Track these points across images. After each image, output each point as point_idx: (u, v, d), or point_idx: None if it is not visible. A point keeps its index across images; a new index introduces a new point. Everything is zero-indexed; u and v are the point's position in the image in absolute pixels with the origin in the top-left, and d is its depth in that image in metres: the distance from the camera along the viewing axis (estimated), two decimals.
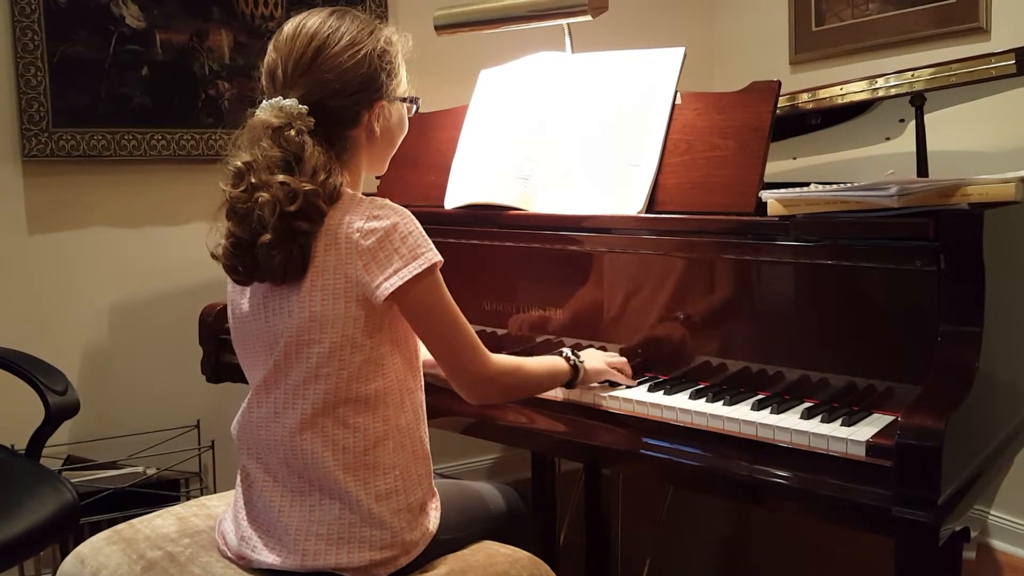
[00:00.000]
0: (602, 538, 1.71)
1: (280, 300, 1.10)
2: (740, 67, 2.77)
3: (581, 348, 1.47)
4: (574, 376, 1.29)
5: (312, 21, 1.14)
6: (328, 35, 1.12)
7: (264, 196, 1.05)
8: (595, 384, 1.33)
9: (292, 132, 1.08)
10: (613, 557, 1.74)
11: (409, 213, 1.11)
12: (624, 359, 1.37)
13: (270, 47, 1.15)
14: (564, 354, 1.30)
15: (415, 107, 1.25)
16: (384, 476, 1.12)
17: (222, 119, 2.18)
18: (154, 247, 2.18)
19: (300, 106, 1.10)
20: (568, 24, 1.73)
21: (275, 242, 1.05)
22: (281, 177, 1.06)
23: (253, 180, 1.07)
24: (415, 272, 1.07)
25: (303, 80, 1.11)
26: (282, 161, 1.07)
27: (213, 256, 1.12)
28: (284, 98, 1.10)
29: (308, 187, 1.06)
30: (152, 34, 2.10)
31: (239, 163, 1.09)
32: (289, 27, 1.15)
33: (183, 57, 2.14)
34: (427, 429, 1.20)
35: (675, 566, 2.02)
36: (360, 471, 1.10)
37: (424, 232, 1.12)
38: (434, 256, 1.10)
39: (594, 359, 1.32)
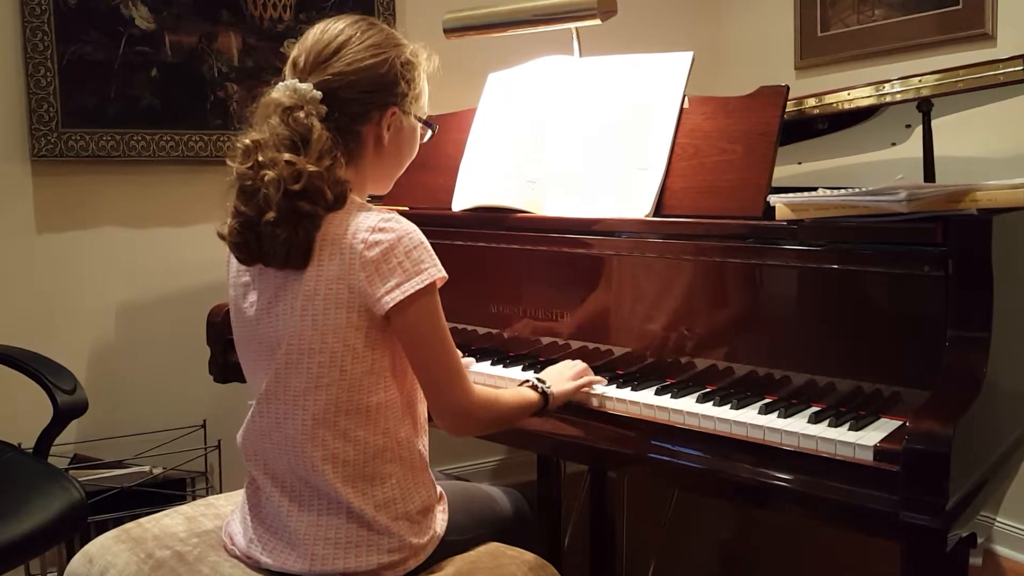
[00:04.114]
0: (607, 541, 1.71)
1: (283, 305, 1.10)
2: (746, 72, 2.77)
3: (588, 351, 1.48)
4: (544, 404, 1.27)
5: (342, 23, 1.16)
6: (353, 34, 1.14)
7: (270, 174, 1.06)
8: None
9: (301, 114, 1.08)
10: (618, 560, 1.74)
11: (416, 228, 1.11)
12: (584, 366, 1.36)
13: (296, 45, 1.17)
14: (531, 383, 1.28)
15: (430, 133, 1.25)
16: (382, 486, 1.12)
17: (230, 121, 2.19)
18: (162, 247, 2.19)
19: (314, 91, 1.10)
20: (576, 28, 1.73)
21: (279, 220, 1.06)
22: (287, 156, 1.06)
23: (260, 158, 1.07)
24: (417, 287, 1.07)
25: (322, 67, 1.12)
26: (289, 140, 1.07)
27: (220, 236, 1.13)
28: (300, 82, 1.11)
29: (313, 168, 1.06)
30: (161, 36, 2.11)
31: (248, 140, 1.10)
32: (319, 25, 1.16)
33: (192, 59, 2.15)
34: (427, 440, 1.20)
35: (680, 569, 2.02)
36: (358, 482, 1.11)
37: (430, 247, 1.11)
38: (437, 272, 1.09)
39: (559, 381, 1.30)
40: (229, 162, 1.11)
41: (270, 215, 1.06)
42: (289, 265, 1.08)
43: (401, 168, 1.25)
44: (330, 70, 1.12)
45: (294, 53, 1.16)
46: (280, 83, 1.13)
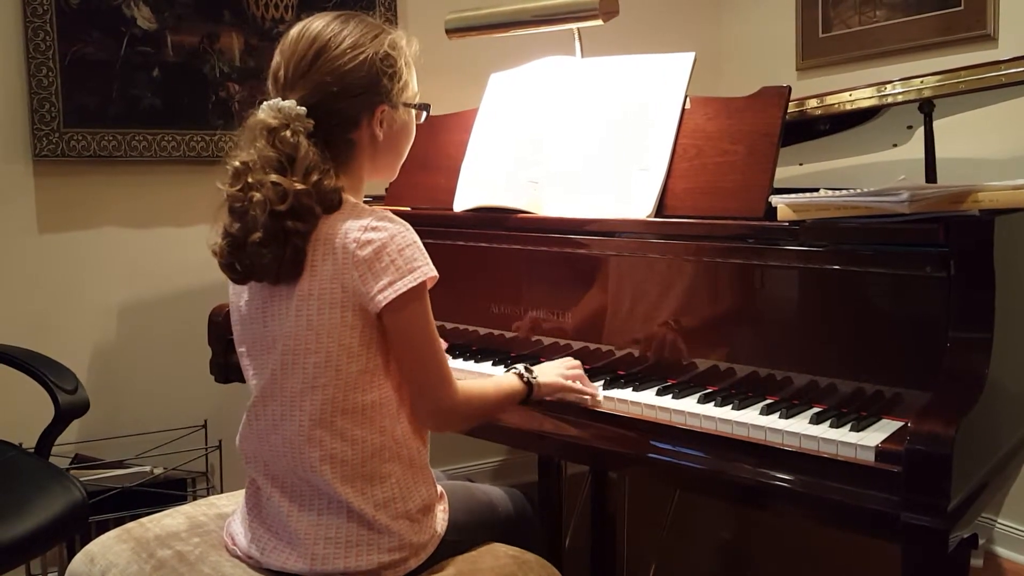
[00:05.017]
0: (608, 541, 1.71)
1: (277, 306, 1.11)
2: (747, 73, 2.77)
3: (589, 351, 1.48)
4: (528, 393, 1.27)
5: (316, 24, 1.14)
6: (330, 38, 1.12)
7: (257, 196, 1.06)
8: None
9: (287, 133, 1.08)
10: (619, 560, 1.74)
11: (409, 226, 1.11)
12: (578, 363, 1.36)
13: (277, 49, 1.16)
14: (518, 371, 1.28)
15: (424, 114, 1.24)
16: (381, 485, 1.12)
17: (232, 121, 2.19)
18: (163, 247, 2.19)
19: (298, 107, 1.10)
20: (578, 28, 1.73)
21: (265, 240, 1.06)
22: (274, 177, 1.06)
23: (249, 180, 1.07)
24: (410, 285, 1.07)
25: (303, 82, 1.11)
26: (276, 161, 1.07)
27: (213, 253, 1.13)
28: (283, 99, 1.11)
29: (299, 187, 1.06)
30: (163, 36, 2.11)
31: (237, 163, 1.10)
32: (294, 30, 1.15)
33: (194, 59, 2.15)
34: (427, 438, 1.20)
35: (681, 569, 2.02)
36: (357, 482, 1.11)
37: (422, 246, 1.11)
38: (429, 271, 1.10)
39: (548, 374, 1.31)
40: (219, 184, 1.11)
41: (256, 236, 1.06)
42: (281, 281, 1.09)
43: (402, 157, 1.24)
44: (311, 82, 1.11)
45: (274, 63, 1.15)
46: (265, 103, 1.12)
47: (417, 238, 1.11)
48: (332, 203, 1.10)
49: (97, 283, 2.12)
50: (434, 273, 1.11)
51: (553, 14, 1.72)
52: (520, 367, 1.30)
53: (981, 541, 1.10)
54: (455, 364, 1.50)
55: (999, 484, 1.18)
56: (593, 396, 1.32)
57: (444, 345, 1.48)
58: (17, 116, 2.01)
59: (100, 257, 2.12)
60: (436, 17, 1.90)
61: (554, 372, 1.32)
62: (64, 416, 1.60)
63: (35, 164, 2.03)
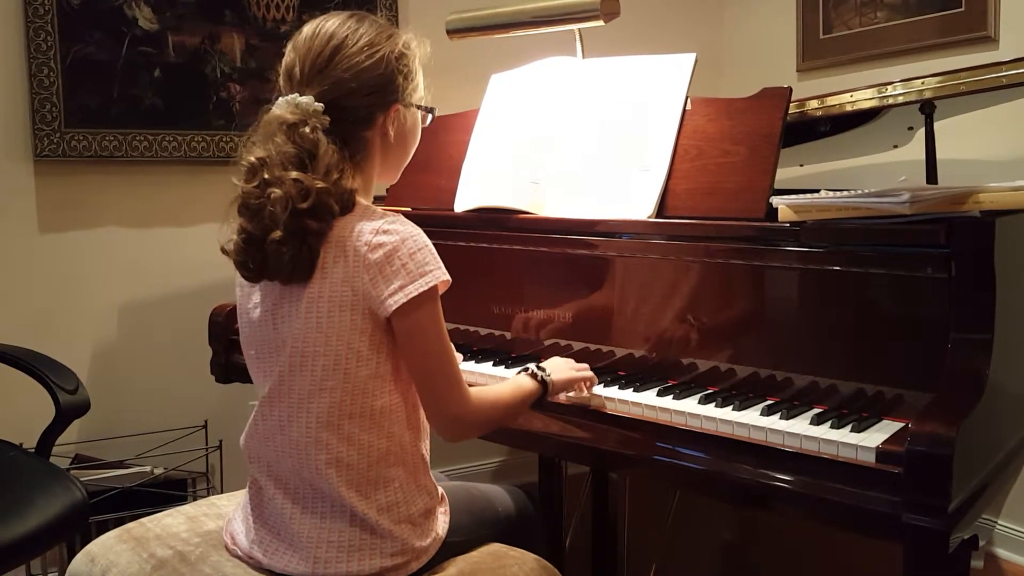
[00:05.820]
0: (609, 542, 1.71)
1: (288, 307, 1.10)
2: (747, 74, 2.78)
3: (590, 352, 1.48)
4: (544, 392, 1.27)
5: (331, 23, 1.14)
6: (346, 36, 1.13)
7: (277, 192, 1.05)
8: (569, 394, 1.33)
9: (307, 129, 1.08)
10: (620, 561, 1.74)
11: (420, 231, 1.11)
12: (586, 366, 1.35)
13: (288, 47, 1.16)
14: (530, 370, 1.27)
15: (431, 117, 1.25)
16: (384, 489, 1.12)
17: (233, 121, 2.19)
18: (164, 248, 2.19)
19: (316, 104, 1.10)
20: (579, 29, 1.73)
21: (285, 239, 1.05)
22: (294, 174, 1.05)
23: (266, 176, 1.07)
24: (421, 289, 1.07)
25: (320, 78, 1.11)
26: (296, 158, 1.07)
27: (224, 252, 1.12)
28: (300, 95, 1.11)
29: (321, 185, 1.06)
30: (165, 36, 2.11)
31: (253, 159, 1.09)
32: (308, 28, 1.15)
33: (195, 59, 2.15)
34: (428, 443, 1.20)
35: (681, 570, 2.02)
36: (362, 486, 1.11)
37: (434, 250, 1.10)
38: (441, 275, 1.09)
39: (560, 370, 1.30)
40: (235, 180, 1.10)
41: (276, 233, 1.05)
42: (294, 280, 1.09)
43: (408, 158, 1.25)
44: (328, 79, 1.11)
45: (287, 60, 1.15)
46: (281, 98, 1.12)
47: (429, 242, 1.10)
48: (348, 204, 1.09)
49: (98, 283, 2.13)
50: (446, 277, 1.10)
51: (554, 15, 1.72)
52: (532, 366, 1.29)
53: (982, 542, 1.10)
54: None
55: (1000, 485, 1.18)
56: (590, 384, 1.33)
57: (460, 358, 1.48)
58: (18, 116, 2.01)
59: (101, 257, 2.13)
60: (437, 18, 1.90)
61: (565, 367, 1.32)
62: (65, 416, 1.60)
63: (36, 164, 2.03)
